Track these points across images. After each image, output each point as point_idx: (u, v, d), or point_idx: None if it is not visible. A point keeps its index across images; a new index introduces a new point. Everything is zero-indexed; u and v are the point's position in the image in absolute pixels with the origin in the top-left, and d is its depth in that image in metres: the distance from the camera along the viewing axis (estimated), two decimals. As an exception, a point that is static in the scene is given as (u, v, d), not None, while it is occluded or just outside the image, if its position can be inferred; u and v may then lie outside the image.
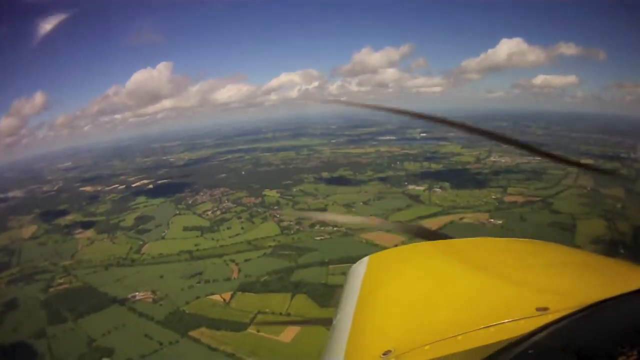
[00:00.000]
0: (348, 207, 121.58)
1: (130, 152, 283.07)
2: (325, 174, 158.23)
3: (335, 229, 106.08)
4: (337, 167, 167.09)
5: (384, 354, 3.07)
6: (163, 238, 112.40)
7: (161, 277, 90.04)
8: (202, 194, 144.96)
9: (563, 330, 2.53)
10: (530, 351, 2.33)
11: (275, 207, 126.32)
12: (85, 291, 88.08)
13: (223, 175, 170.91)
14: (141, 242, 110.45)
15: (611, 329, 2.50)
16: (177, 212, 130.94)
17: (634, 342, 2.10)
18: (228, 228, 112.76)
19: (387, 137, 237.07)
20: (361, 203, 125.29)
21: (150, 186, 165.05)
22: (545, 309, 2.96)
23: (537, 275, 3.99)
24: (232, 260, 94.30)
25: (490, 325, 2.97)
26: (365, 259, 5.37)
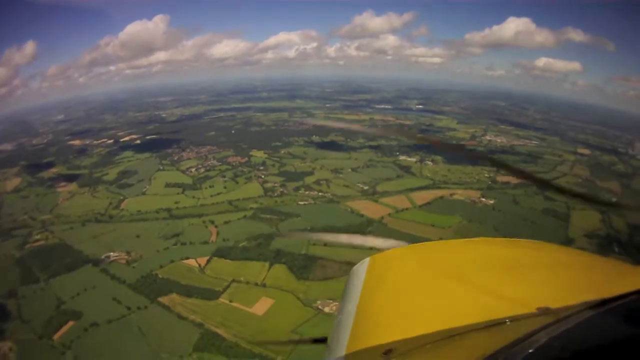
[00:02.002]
0: (336, 173, 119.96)
1: (123, 106, 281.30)
2: (316, 138, 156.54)
3: (320, 194, 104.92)
4: (328, 131, 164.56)
5: (385, 354, 3.12)
6: (144, 194, 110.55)
7: (138, 236, 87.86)
8: (188, 150, 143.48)
9: (564, 330, 2.57)
10: (530, 351, 2.38)
11: (261, 167, 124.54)
12: (60, 248, 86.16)
13: (212, 133, 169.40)
14: (121, 197, 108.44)
15: (611, 329, 2.60)
16: (161, 167, 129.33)
17: (633, 342, 2.17)
18: (210, 186, 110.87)
19: (383, 106, 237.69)
20: (350, 170, 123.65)
21: (138, 141, 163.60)
22: (545, 308, 3.01)
23: (538, 275, 3.99)
24: (212, 222, 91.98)
25: (491, 325, 3.01)
26: (367, 260, 5.08)
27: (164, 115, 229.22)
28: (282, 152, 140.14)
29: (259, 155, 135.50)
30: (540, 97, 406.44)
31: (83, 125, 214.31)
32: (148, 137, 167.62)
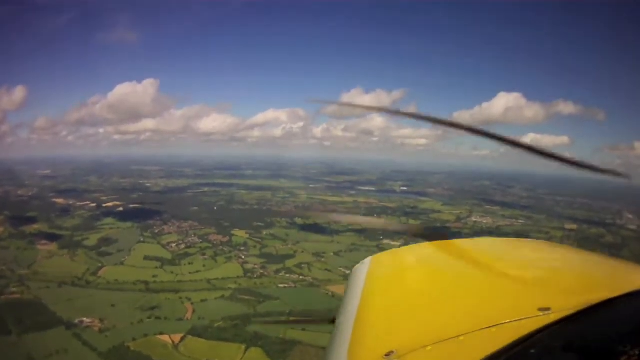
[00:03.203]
0: (317, 256, 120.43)
1: (109, 170, 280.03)
2: (298, 220, 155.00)
3: (301, 277, 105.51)
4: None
5: (386, 355, 3.03)
6: (122, 264, 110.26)
7: (113, 305, 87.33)
8: (170, 224, 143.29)
9: (565, 331, 2.56)
10: (532, 351, 2.37)
11: (242, 248, 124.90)
12: (35, 306, 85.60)
13: (195, 208, 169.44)
14: (100, 265, 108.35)
15: (613, 329, 2.55)
16: (142, 239, 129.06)
17: (635, 342, 2.12)
18: (190, 263, 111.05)
19: (367, 188, 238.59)
20: (332, 253, 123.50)
21: (121, 208, 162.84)
22: (547, 309, 2.96)
23: (539, 275, 4.09)
24: (188, 299, 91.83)
25: (492, 326, 2.96)
26: (368, 260, 5.42)
27: (148, 184, 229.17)
28: (264, 232, 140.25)
29: (240, 234, 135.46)
30: (525, 175, 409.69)
31: (68, 184, 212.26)
32: (131, 206, 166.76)
